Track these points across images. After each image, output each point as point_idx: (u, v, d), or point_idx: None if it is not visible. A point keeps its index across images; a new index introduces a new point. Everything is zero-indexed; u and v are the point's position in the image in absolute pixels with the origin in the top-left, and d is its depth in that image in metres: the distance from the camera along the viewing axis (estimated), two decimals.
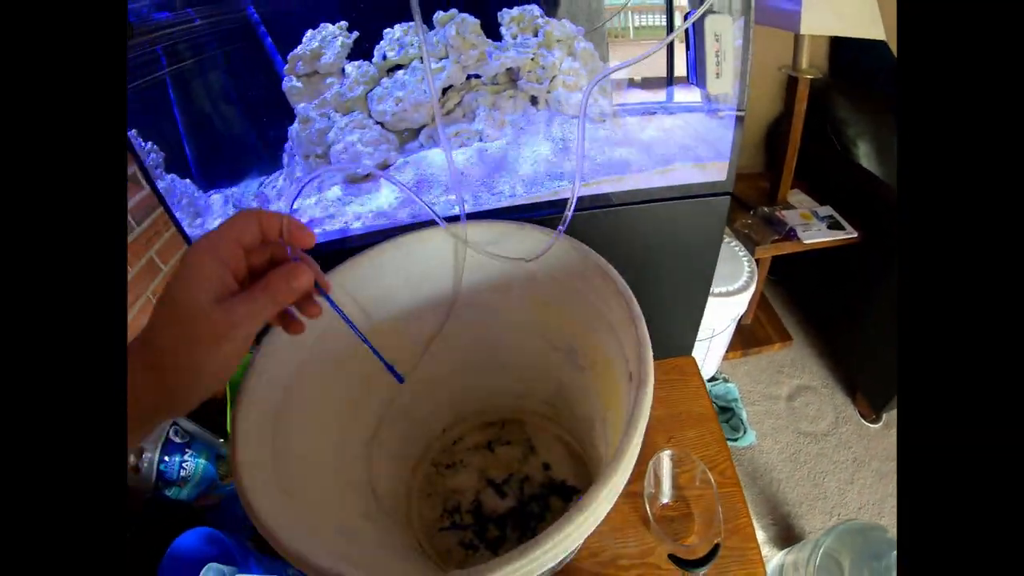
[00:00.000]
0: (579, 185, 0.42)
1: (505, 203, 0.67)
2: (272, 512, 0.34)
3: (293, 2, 0.80)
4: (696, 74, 0.65)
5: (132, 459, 0.73)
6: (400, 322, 0.54)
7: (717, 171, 0.70)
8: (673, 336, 0.87)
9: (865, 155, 1.75)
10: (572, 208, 0.43)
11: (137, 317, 1.09)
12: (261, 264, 0.37)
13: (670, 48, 0.76)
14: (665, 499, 0.68)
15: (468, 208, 0.64)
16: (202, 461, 0.79)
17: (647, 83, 0.78)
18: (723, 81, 0.64)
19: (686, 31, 0.66)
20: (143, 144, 0.79)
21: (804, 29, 1.25)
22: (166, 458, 0.75)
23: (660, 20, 0.74)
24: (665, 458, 0.68)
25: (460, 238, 0.47)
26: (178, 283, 0.33)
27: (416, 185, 0.67)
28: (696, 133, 0.74)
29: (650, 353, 0.37)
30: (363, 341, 0.41)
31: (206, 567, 0.53)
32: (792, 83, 1.45)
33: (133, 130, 0.75)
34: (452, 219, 0.48)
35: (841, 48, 1.91)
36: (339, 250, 0.72)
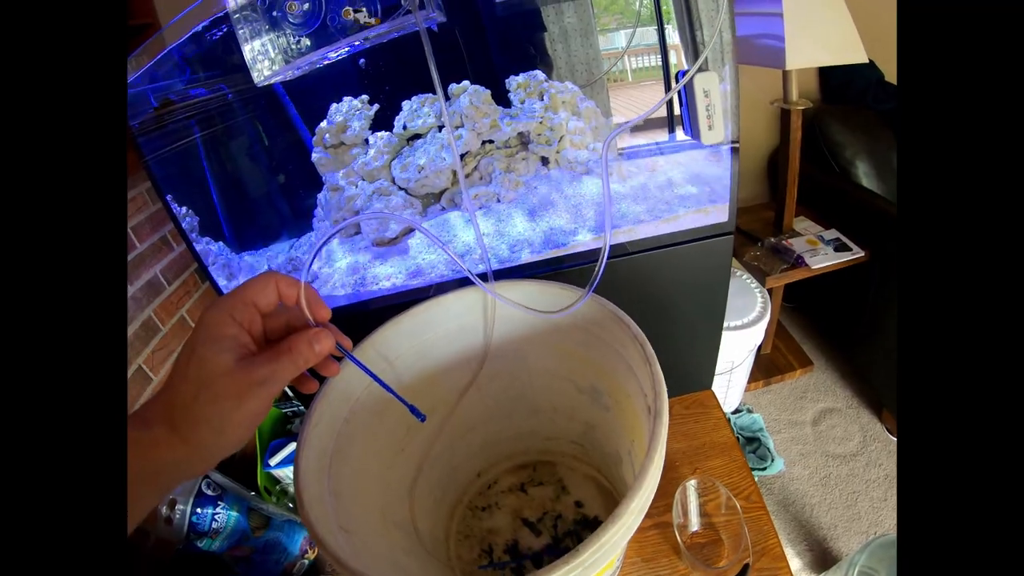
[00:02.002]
0: (610, 236, 0.47)
1: (525, 260, 0.72)
2: (334, 544, 0.38)
3: (316, 78, 0.87)
4: (690, 128, 0.71)
5: (164, 510, 0.74)
6: (436, 374, 0.59)
7: (719, 213, 0.75)
8: (692, 372, 0.90)
9: (864, 174, 1.79)
10: (603, 262, 0.47)
11: (169, 374, 1.14)
12: (277, 327, 0.38)
13: (668, 88, 0.81)
14: (694, 527, 0.70)
15: (491, 265, 0.69)
16: (234, 514, 0.80)
17: (646, 126, 0.84)
18: (715, 132, 0.70)
19: (679, 92, 0.72)
20: (179, 209, 0.84)
21: (790, 65, 1.29)
22: (198, 510, 0.76)
23: (656, 61, 0.79)
24: (691, 487, 0.70)
25: (493, 294, 0.52)
26: (199, 343, 0.33)
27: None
28: (696, 178, 0.80)
29: (664, 388, 0.42)
30: (386, 388, 0.44)
31: None
32: (785, 115, 1.50)
33: (168, 195, 0.79)
34: (480, 276, 0.53)
35: (829, 73, 1.97)
36: (369, 311, 0.77)
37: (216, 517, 0.78)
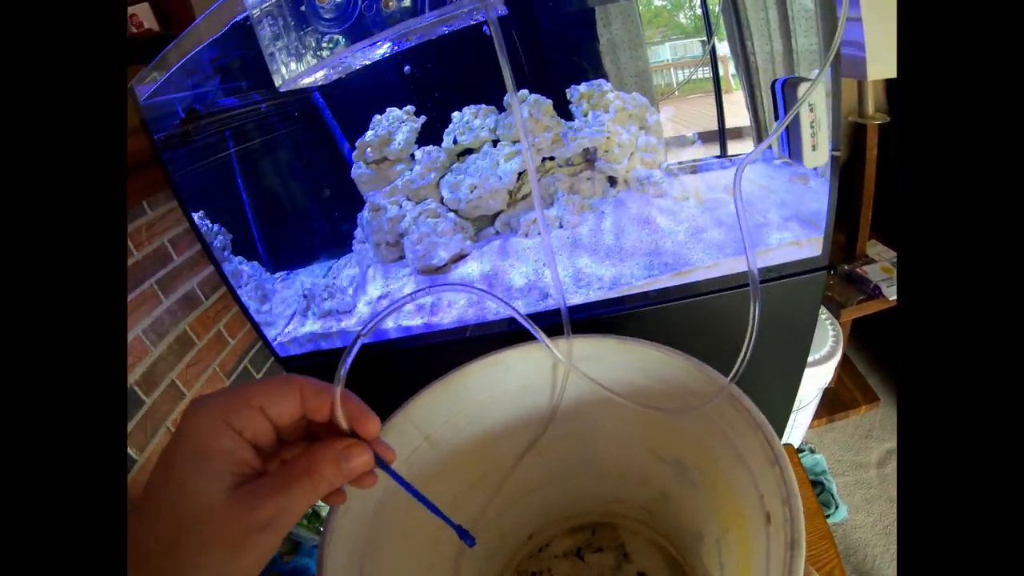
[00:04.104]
0: (757, 296, 0.37)
1: (594, 297, 0.63)
2: None
3: (357, 86, 0.81)
4: (789, 148, 0.61)
5: None
6: (491, 439, 0.50)
7: (813, 246, 0.64)
8: None
9: None
10: (751, 341, 0.37)
11: (203, 390, 1.10)
12: (292, 428, 0.29)
13: (719, 101, 0.73)
14: None
15: (552, 303, 0.60)
16: None
17: (701, 137, 0.75)
18: (819, 153, 0.59)
19: (775, 104, 0.62)
20: (210, 226, 0.79)
21: (872, 76, 1.19)
22: None
23: (706, 72, 0.71)
24: None
25: (573, 368, 0.42)
26: (179, 460, 0.24)
27: (494, 277, 0.64)
28: (784, 203, 0.69)
29: (799, 503, 0.31)
30: (434, 512, 0.35)
31: None
32: (860, 130, 1.38)
33: (200, 211, 0.76)
34: (550, 329, 0.44)
35: (896, 81, 1.84)
36: (415, 347, 0.69)
37: None
